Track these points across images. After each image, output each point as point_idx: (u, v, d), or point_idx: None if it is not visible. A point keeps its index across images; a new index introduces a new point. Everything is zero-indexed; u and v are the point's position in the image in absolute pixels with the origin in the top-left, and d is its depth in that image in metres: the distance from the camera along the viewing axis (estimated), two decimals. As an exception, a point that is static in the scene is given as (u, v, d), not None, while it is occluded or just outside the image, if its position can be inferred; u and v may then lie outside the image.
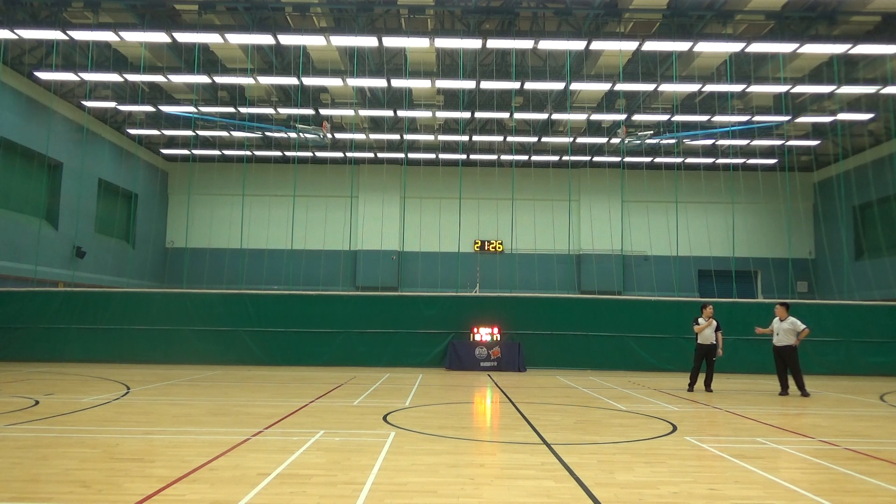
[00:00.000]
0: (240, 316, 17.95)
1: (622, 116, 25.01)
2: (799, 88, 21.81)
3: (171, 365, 16.77)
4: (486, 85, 22.18)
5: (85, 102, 24.39)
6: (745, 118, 24.58)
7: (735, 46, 19.16)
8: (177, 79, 22.60)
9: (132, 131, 28.56)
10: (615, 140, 27.53)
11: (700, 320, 13.09)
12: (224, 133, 28.55)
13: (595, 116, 25.33)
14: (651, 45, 19.47)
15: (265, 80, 22.91)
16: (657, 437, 7.67)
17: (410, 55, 21.18)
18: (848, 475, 5.86)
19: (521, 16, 19.52)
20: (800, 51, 18.95)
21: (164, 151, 31.55)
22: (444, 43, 19.46)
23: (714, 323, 13.00)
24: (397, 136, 29.05)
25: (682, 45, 19.47)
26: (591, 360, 18.04)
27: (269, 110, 25.05)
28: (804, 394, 12.38)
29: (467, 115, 25.46)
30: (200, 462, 5.78)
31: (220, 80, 22.58)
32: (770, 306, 19.67)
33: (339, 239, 30.95)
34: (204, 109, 25.18)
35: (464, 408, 10.23)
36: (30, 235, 22.16)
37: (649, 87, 22.06)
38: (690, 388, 12.99)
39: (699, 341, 12.98)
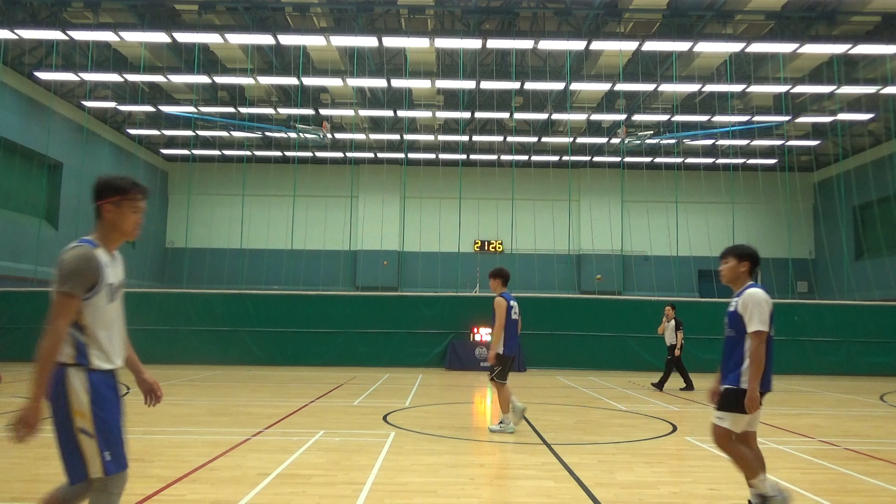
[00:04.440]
0: (240, 316, 17.95)
1: (622, 116, 24.99)
2: (799, 88, 21.80)
3: (171, 365, 16.77)
4: (486, 85, 22.17)
5: (85, 102, 24.37)
6: (745, 118, 24.57)
7: (735, 46, 19.15)
8: (177, 79, 22.59)
9: (132, 131, 28.55)
10: (615, 140, 27.52)
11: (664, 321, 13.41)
12: (224, 133, 28.54)
13: (595, 116, 25.33)
14: (651, 45, 19.46)
15: (265, 80, 22.90)
16: (657, 437, 7.67)
17: (410, 55, 21.17)
18: (848, 475, 5.86)
19: (521, 16, 19.52)
20: (800, 51, 18.94)
21: (164, 151, 31.54)
22: (444, 43, 19.46)
23: (673, 323, 13.16)
24: (397, 136, 29.04)
25: (682, 45, 19.46)
26: (591, 360, 18.04)
27: (269, 110, 25.04)
28: None
29: (467, 115, 25.45)
30: (200, 462, 5.78)
31: (220, 80, 22.57)
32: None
33: (339, 239, 30.93)
34: (204, 109, 25.17)
35: (464, 408, 10.24)
36: (30, 235, 22.14)
37: (649, 87, 22.05)
38: (659, 387, 13.19)
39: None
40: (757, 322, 4.17)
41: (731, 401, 4.23)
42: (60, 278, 2.77)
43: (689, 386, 13.06)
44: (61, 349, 2.77)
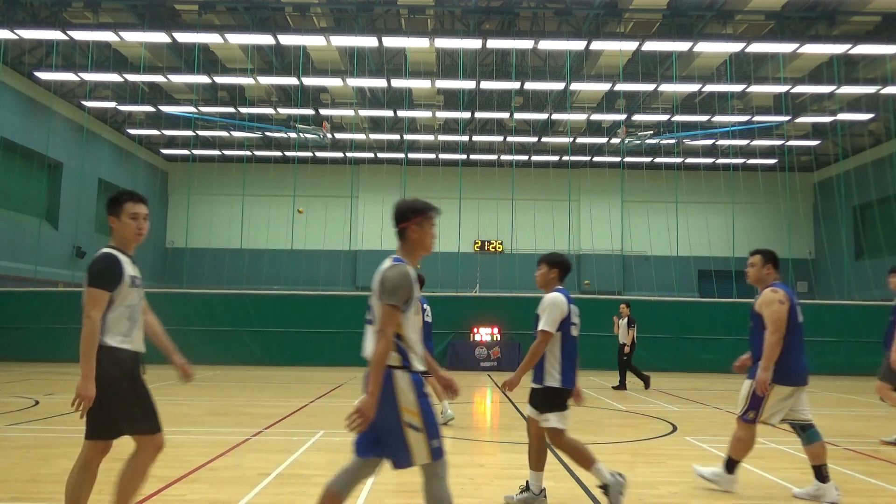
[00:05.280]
0: (240, 316, 17.94)
1: (622, 116, 24.99)
2: (799, 88, 21.80)
3: (171, 365, 16.75)
4: (486, 85, 22.17)
5: (85, 102, 24.37)
6: (745, 118, 24.57)
7: (735, 46, 19.15)
8: (177, 79, 22.59)
9: (132, 131, 28.55)
10: (615, 140, 27.51)
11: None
12: (224, 133, 28.54)
13: (595, 116, 25.33)
14: (651, 45, 19.46)
15: (265, 80, 22.91)
16: (657, 437, 7.67)
17: (410, 55, 21.17)
18: (848, 475, 5.85)
19: (521, 16, 19.52)
20: (800, 51, 18.94)
21: (164, 151, 31.54)
22: (444, 43, 19.46)
23: (625, 322, 13.38)
24: (397, 136, 29.04)
25: (682, 45, 19.46)
26: (591, 360, 17.98)
27: (269, 110, 25.05)
28: None
29: (467, 115, 25.45)
30: (200, 462, 5.78)
31: (220, 80, 22.57)
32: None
33: (339, 239, 30.92)
34: (204, 109, 25.17)
35: (464, 408, 10.23)
36: (30, 235, 22.15)
37: (649, 87, 22.05)
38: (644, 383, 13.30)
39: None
40: (544, 322, 4.50)
41: (546, 400, 4.55)
42: (388, 293, 3.14)
43: (621, 385, 13.25)
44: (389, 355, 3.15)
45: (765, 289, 5.10)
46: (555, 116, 25.62)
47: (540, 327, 4.51)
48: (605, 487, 4.45)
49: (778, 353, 4.88)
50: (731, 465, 5.10)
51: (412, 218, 3.35)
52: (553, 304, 4.55)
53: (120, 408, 3.42)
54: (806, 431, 5.03)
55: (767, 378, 4.91)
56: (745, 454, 5.09)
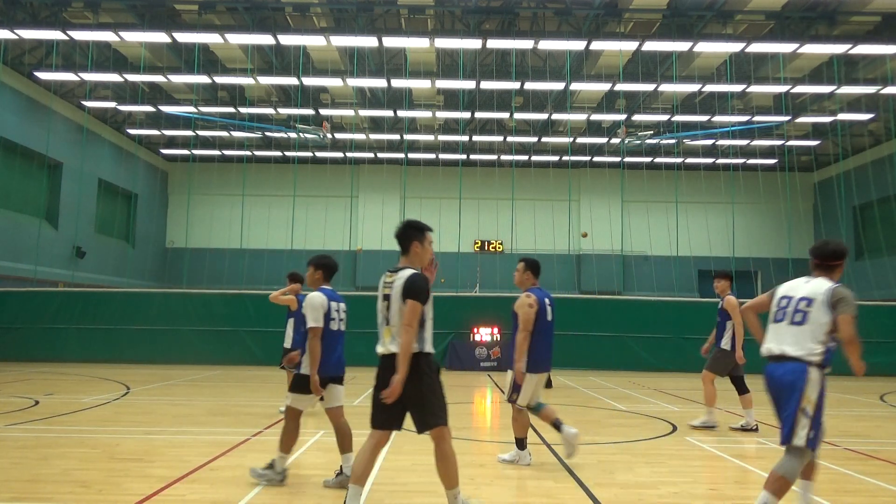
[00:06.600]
0: (240, 316, 17.91)
1: (622, 116, 24.99)
2: (799, 88, 21.80)
3: (171, 365, 16.76)
4: (486, 85, 22.17)
5: (85, 102, 24.37)
6: (745, 118, 24.57)
7: (735, 46, 19.15)
8: (177, 79, 22.59)
9: (132, 131, 28.55)
10: (615, 140, 27.52)
11: None
12: (224, 133, 28.54)
13: (595, 116, 25.33)
14: (651, 45, 19.46)
15: (265, 80, 22.91)
16: (657, 437, 7.67)
17: (410, 55, 21.17)
18: (848, 475, 5.86)
19: (521, 16, 19.52)
20: (800, 51, 18.94)
21: (164, 151, 31.54)
22: (444, 43, 19.46)
23: None
24: (397, 136, 29.04)
25: (682, 45, 19.46)
26: (591, 360, 18.01)
27: (269, 110, 25.05)
28: None
29: (467, 115, 25.45)
30: (200, 462, 5.78)
31: (220, 80, 22.57)
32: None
33: (339, 239, 30.92)
34: (204, 109, 25.17)
35: (464, 408, 10.23)
36: (30, 235, 22.14)
37: (649, 87, 22.05)
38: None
39: None
40: (310, 320, 5.03)
41: (297, 384, 5.08)
42: (853, 305, 3.79)
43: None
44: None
45: (524, 292, 6.06)
46: (555, 116, 25.62)
47: (308, 325, 4.98)
48: (271, 465, 5.00)
49: (526, 348, 5.78)
50: (520, 442, 5.95)
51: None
52: (311, 304, 5.05)
53: (436, 401, 4.13)
54: (536, 409, 5.99)
55: (521, 368, 5.74)
56: (526, 431, 5.95)
